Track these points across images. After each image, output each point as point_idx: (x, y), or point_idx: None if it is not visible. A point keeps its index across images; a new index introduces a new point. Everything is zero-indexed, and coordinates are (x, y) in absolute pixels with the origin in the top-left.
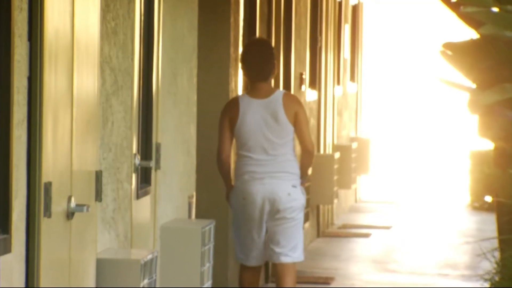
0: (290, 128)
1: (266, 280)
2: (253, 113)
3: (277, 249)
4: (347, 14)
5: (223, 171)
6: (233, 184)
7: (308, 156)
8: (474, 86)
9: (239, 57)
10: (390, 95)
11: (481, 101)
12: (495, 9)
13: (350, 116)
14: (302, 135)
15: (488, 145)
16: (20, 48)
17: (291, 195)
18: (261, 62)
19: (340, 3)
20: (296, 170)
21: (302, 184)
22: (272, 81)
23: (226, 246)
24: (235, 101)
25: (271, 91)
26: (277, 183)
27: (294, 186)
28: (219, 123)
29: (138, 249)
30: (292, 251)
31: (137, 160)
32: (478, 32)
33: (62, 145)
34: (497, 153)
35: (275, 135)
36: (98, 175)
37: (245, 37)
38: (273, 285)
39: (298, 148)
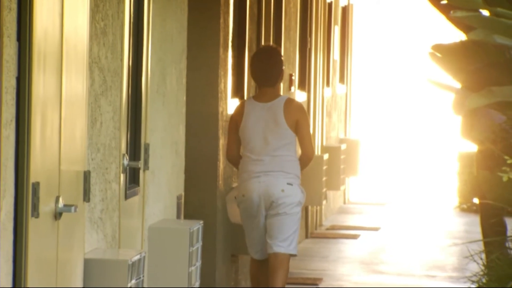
0: (289, 132)
1: None
2: (255, 116)
3: (270, 240)
4: (337, 15)
5: (236, 167)
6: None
7: (306, 160)
8: (459, 87)
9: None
10: (380, 96)
11: (468, 104)
12: (485, 12)
13: (339, 117)
14: (303, 141)
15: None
16: (9, 48)
17: (284, 191)
18: (267, 69)
19: (330, 5)
20: (294, 170)
21: None
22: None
23: (214, 247)
24: (242, 104)
25: (275, 96)
26: (271, 180)
27: (289, 184)
28: (228, 125)
29: (126, 249)
30: (284, 242)
31: (126, 161)
32: (468, 37)
33: (51, 145)
34: (483, 155)
35: (275, 138)
36: (86, 175)
37: (235, 38)
38: None
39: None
